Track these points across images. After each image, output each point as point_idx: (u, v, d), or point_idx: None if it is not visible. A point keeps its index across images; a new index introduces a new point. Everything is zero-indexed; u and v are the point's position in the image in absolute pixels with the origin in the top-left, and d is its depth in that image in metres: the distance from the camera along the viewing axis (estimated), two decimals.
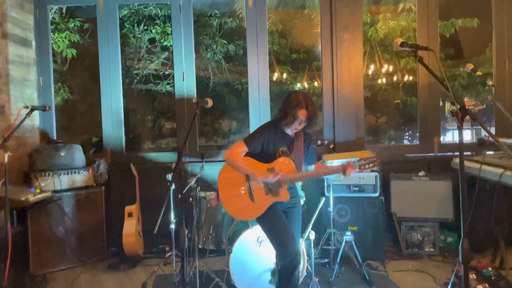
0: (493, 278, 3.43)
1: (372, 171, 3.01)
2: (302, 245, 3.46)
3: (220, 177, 2.93)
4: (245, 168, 2.87)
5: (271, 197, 2.88)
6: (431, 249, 4.40)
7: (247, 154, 2.96)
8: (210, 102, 3.13)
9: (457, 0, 7.13)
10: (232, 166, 2.89)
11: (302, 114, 2.83)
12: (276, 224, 2.85)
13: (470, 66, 3.03)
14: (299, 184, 3.88)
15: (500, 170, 3.42)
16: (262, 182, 2.87)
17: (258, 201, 2.87)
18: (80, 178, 4.42)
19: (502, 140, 2.76)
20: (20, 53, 4.61)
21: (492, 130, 4.95)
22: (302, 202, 3.83)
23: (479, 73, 3.02)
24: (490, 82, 3.00)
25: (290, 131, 2.98)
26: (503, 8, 4.88)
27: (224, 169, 2.95)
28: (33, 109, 3.39)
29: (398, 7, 7.30)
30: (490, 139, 3.88)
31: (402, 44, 2.20)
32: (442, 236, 4.52)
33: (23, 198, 3.72)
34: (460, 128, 2.01)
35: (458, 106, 1.94)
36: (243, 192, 2.89)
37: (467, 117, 1.98)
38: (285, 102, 2.91)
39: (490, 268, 3.48)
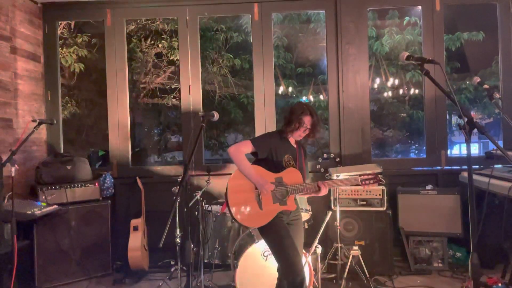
0: None
1: (379, 184, 3.00)
2: (308, 259, 3.43)
3: (229, 184, 2.92)
4: (246, 165, 2.87)
5: (279, 205, 2.89)
6: (440, 265, 4.33)
7: (258, 163, 2.97)
8: (216, 115, 3.14)
9: (462, 14, 7.15)
10: (234, 161, 2.89)
11: (307, 120, 2.93)
12: (283, 238, 2.81)
13: (476, 80, 3.03)
14: (304, 198, 3.87)
15: (509, 184, 3.38)
16: (255, 190, 2.87)
17: (266, 208, 2.87)
18: (86, 191, 4.43)
19: (510, 153, 2.73)
20: (28, 68, 4.67)
21: (500, 143, 4.91)
22: (308, 216, 3.82)
23: (485, 86, 3.00)
24: (497, 95, 2.98)
25: (292, 140, 3.04)
26: (509, 21, 4.89)
27: (233, 176, 2.94)
28: (40, 122, 3.42)
29: (403, 21, 7.34)
30: (498, 152, 3.86)
31: (408, 58, 2.21)
32: (450, 251, 4.46)
33: (29, 212, 3.73)
34: (467, 141, 2.00)
35: (466, 119, 1.93)
36: (251, 199, 2.88)
37: (475, 130, 1.97)
38: (290, 111, 3.01)
39: (500, 284, 3.42)
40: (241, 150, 2.89)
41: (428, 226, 4.37)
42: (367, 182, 2.95)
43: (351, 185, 3.27)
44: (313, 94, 8.15)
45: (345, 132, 4.91)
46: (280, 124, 4.89)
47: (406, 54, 2.21)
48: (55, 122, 3.61)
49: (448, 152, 4.97)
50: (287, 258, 2.76)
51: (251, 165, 2.91)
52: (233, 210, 2.88)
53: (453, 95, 2.05)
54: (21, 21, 4.55)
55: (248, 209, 2.88)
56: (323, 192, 2.94)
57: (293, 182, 2.92)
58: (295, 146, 3.07)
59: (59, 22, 5.28)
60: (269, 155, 2.96)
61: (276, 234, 2.85)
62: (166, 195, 4.22)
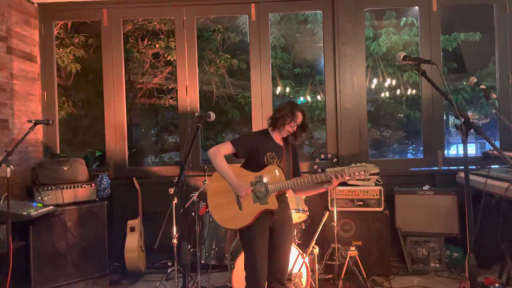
0: None
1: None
2: (305, 260, 3.42)
3: (209, 186, 2.92)
4: (224, 167, 2.83)
5: (259, 205, 2.82)
6: (437, 265, 4.34)
7: (245, 165, 2.96)
8: (212, 116, 3.13)
9: (459, 14, 7.16)
10: (213, 163, 2.86)
11: (299, 116, 2.92)
12: (256, 249, 2.80)
13: (473, 80, 3.02)
14: (301, 198, 3.87)
15: (506, 184, 3.38)
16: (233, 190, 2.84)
17: (246, 209, 2.82)
18: (82, 192, 4.41)
19: (507, 154, 2.73)
20: (24, 68, 4.65)
21: (497, 143, 4.91)
22: (305, 216, 3.81)
23: (482, 87, 3.00)
24: (494, 96, 2.98)
25: (278, 138, 2.99)
26: (506, 22, 4.90)
27: (213, 178, 2.93)
28: (36, 123, 3.41)
29: (400, 22, 7.35)
30: (495, 153, 3.86)
31: (405, 58, 2.20)
32: (447, 251, 4.46)
33: (25, 213, 3.71)
34: (464, 142, 1.99)
35: (463, 120, 1.93)
36: (231, 200, 2.85)
37: (472, 130, 1.97)
38: (280, 107, 2.97)
39: (497, 285, 3.42)
40: (220, 151, 2.87)
41: (425, 227, 4.37)
42: (357, 173, 2.81)
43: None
44: (310, 95, 8.15)
45: (342, 133, 4.91)
46: None
47: (403, 54, 2.21)
48: (51, 122, 3.57)
49: (445, 152, 4.98)
50: (252, 270, 2.80)
51: (228, 166, 2.85)
52: (212, 211, 2.87)
53: (449, 95, 2.05)
54: (17, 21, 4.53)
55: (227, 210, 2.84)
56: (334, 184, 2.81)
57: (274, 180, 2.85)
58: (281, 144, 3.00)
59: (56, 22, 5.26)
60: (250, 155, 2.92)
61: (250, 242, 2.82)
62: (163, 195, 4.20)
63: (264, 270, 2.82)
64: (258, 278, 2.79)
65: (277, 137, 3.00)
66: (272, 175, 2.87)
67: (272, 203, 2.84)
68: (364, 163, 2.90)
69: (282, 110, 2.93)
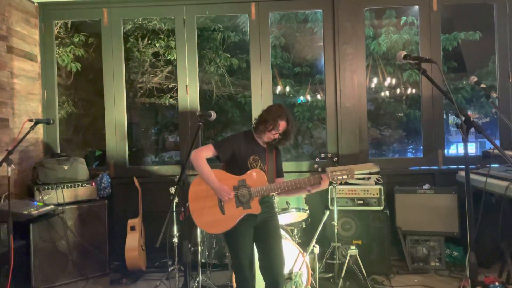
0: None
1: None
2: (306, 259, 3.43)
3: (190, 190, 2.87)
4: (206, 171, 2.80)
5: (242, 209, 2.79)
6: (437, 264, 4.34)
7: (226, 167, 2.92)
8: (213, 115, 3.13)
9: (459, 14, 7.16)
10: (194, 166, 2.83)
11: (282, 125, 2.84)
12: (238, 249, 2.81)
13: (473, 79, 3.03)
14: (301, 197, 3.87)
15: (506, 183, 3.39)
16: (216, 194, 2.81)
17: (229, 213, 2.79)
18: (83, 191, 4.42)
19: (507, 152, 2.73)
20: (25, 67, 4.65)
21: (497, 143, 4.92)
22: (306, 215, 3.82)
23: (482, 85, 3.01)
24: (494, 95, 2.99)
25: (261, 142, 2.94)
26: (506, 21, 4.90)
27: (194, 182, 2.88)
28: (37, 122, 3.41)
29: (400, 21, 7.34)
30: (495, 152, 3.87)
31: (405, 57, 2.21)
32: (448, 250, 4.47)
33: (26, 212, 3.72)
34: (465, 140, 2.00)
35: (463, 118, 1.93)
36: (213, 204, 2.81)
37: (472, 129, 1.97)
38: (265, 111, 2.91)
39: (497, 283, 3.42)
40: (202, 155, 2.82)
41: (425, 226, 4.37)
42: (338, 177, 2.78)
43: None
44: (311, 94, 8.15)
45: (342, 132, 4.91)
46: None
47: (404, 53, 2.21)
48: (52, 121, 3.58)
49: (445, 151, 4.98)
50: (238, 269, 2.83)
51: (211, 170, 2.82)
52: (193, 216, 2.83)
53: (450, 94, 2.05)
54: (17, 20, 4.53)
55: (209, 215, 2.81)
56: (324, 185, 2.76)
57: (257, 184, 2.81)
58: (264, 146, 2.95)
59: (56, 22, 5.25)
60: (233, 157, 2.87)
61: (233, 242, 2.84)
62: (163, 195, 4.21)
63: (251, 268, 2.82)
64: (245, 277, 2.80)
65: (261, 140, 2.95)
66: (256, 178, 2.83)
67: (255, 208, 2.81)
68: (373, 168, 2.89)
69: (265, 115, 2.87)
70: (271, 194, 2.91)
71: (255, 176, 2.84)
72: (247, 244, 2.83)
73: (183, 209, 3.04)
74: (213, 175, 2.81)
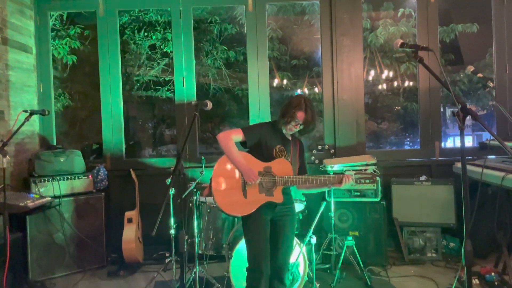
0: (496, 283, 3.40)
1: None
2: (303, 250, 3.43)
3: (215, 168, 2.84)
4: (234, 151, 2.78)
5: (265, 196, 2.79)
6: (433, 255, 4.36)
7: (250, 152, 2.92)
8: (209, 104, 3.12)
9: (456, 6, 7.15)
10: (222, 147, 2.81)
11: (300, 116, 2.83)
12: (258, 235, 2.79)
13: (470, 68, 3.03)
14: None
15: (502, 174, 3.39)
16: (240, 176, 2.80)
17: (251, 198, 2.78)
18: (79, 184, 4.40)
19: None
20: (20, 59, 4.61)
21: None
22: (303, 207, 3.82)
23: (479, 75, 3.01)
24: (491, 84, 2.99)
25: (286, 133, 2.96)
26: (503, 13, 4.89)
27: (221, 160, 2.85)
28: (32, 113, 3.38)
29: (398, 13, 7.32)
30: (492, 143, 3.87)
31: (402, 45, 2.20)
32: (444, 241, 4.49)
33: (22, 204, 3.70)
34: (461, 129, 1.99)
35: (460, 106, 1.92)
36: (236, 186, 2.80)
37: (468, 122, 1.97)
38: (287, 103, 2.92)
39: (493, 274, 3.45)
40: (231, 136, 2.81)
41: (422, 217, 4.39)
42: (362, 180, 2.86)
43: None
44: (308, 87, 8.14)
45: (339, 124, 4.91)
46: (274, 116, 4.89)
47: (400, 41, 2.21)
48: (47, 112, 3.53)
49: (442, 144, 4.99)
50: (254, 257, 2.78)
51: (239, 151, 2.81)
52: (215, 194, 2.79)
53: (447, 82, 2.04)
54: (12, 12, 4.49)
55: (231, 196, 2.79)
56: (343, 185, 2.81)
57: (282, 173, 2.82)
58: (289, 138, 2.99)
59: (51, 13, 5.21)
60: (259, 144, 2.87)
61: (254, 229, 2.81)
62: (160, 187, 4.21)
63: (266, 255, 2.79)
64: (260, 265, 2.74)
65: (285, 132, 2.97)
66: (281, 168, 2.84)
67: (278, 197, 2.82)
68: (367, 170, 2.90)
69: (284, 108, 2.89)
70: (294, 185, 2.90)
71: (281, 165, 2.85)
72: (264, 233, 2.81)
73: (208, 186, 2.99)
74: (241, 156, 2.80)
